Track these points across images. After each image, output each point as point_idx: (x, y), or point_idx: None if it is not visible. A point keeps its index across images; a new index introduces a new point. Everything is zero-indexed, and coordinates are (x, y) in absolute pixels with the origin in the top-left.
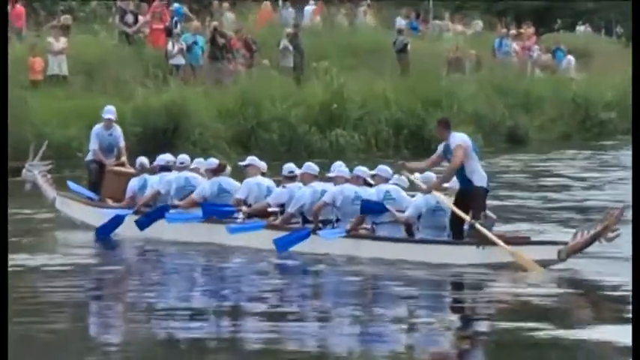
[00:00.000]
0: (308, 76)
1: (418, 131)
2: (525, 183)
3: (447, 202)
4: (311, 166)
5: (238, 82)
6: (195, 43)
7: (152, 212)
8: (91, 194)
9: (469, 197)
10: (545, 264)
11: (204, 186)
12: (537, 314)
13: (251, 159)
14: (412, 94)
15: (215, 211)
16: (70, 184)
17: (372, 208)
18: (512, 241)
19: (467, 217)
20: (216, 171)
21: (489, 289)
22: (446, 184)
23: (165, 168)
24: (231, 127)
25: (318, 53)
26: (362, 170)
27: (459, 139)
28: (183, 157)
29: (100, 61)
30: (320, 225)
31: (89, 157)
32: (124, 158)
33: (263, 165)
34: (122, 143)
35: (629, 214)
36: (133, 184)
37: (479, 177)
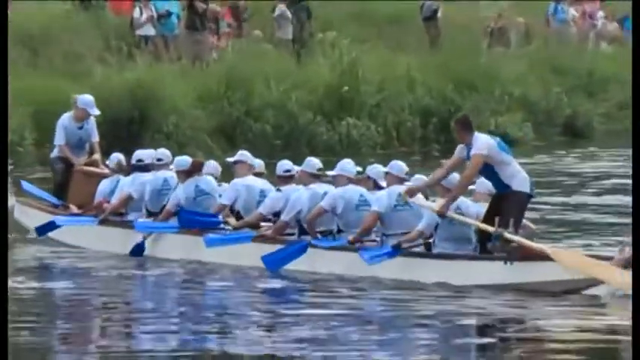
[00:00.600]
0: (311, 50)
1: (451, 120)
2: (584, 186)
3: (462, 219)
4: (310, 163)
5: (223, 59)
6: (169, 12)
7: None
8: (50, 197)
9: (506, 203)
10: (570, 286)
11: (177, 191)
12: None
13: (241, 154)
14: (443, 74)
15: (195, 220)
16: (24, 184)
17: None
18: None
19: (490, 228)
20: (190, 172)
21: (516, 323)
22: (471, 186)
23: (142, 167)
24: (214, 115)
25: (325, 21)
26: (375, 169)
27: (481, 144)
28: (163, 153)
29: (48, 31)
30: (319, 237)
31: (54, 153)
32: (96, 156)
33: (258, 163)
34: (96, 138)
35: None
36: (104, 186)
37: (519, 180)
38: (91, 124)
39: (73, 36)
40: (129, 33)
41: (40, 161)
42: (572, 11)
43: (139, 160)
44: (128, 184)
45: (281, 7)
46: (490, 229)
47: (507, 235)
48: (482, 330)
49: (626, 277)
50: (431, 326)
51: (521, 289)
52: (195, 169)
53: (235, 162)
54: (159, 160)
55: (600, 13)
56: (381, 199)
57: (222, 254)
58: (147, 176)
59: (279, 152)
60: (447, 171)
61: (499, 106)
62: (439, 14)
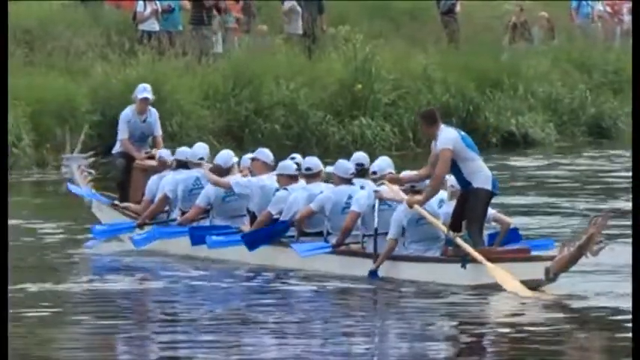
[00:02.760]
0: (323, 46)
1: (472, 120)
2: (610, 190)
3: (428, 216)
4: (311, 162)
5: (230, 55)
6: (172, 8)
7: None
8: (99, 196)
9: (468, 202)
10: (533, 285)
11: (209, 189)
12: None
13: (259, 151)
14: (463, 71)
15: (203, 235)
16: (70, 186)
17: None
18: (500, 256)
19: (443, 228)
20: (222, 172)
21: (461, 318)
22: (454, 186)
23: (184, 164)
24: (221, 114)
25: (337, 16)
26: (381, 164)
27: (446, 138)
28: (198, 149)
29: (45, 26)
30: (301, 239)
31: (116, 149)
32: (158, 151)
33: (273, 159)
34: (159, 132)
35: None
36: (152, 183)
37: (481, 177)
38: (154, 117)
39: (71, 31)
40: (131, 28)
41: (37, 163)
42: (599, 6)
43: (187, 158)
44: (168, 184)
45: (291, 1)
46: (443, 228)
47: (457, 241)
48: (454, 331)
49: (519, 289)
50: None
51: (474, 288)
52: (228, 171)
53: (253, 159)
54: (198, 157)
55: (627, 6)
56: (359, 200)
57: (228, 253)
58: (180, 175)
59: (288, 153)
60: (430, 169)
61: (521, 105)
62: (458, 8)
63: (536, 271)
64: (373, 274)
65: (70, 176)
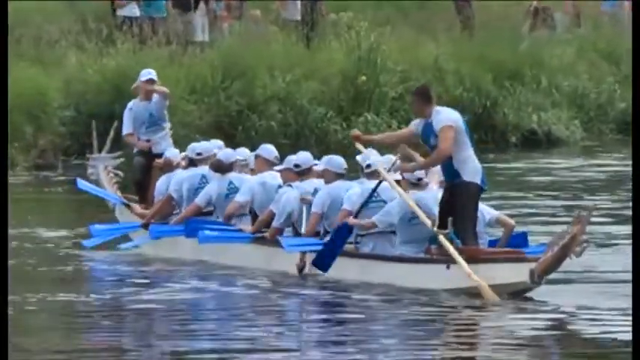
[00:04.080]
0: (323, 33)
1: (488, 117)
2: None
3: (409, 200)
4: (300, 158)
5: (220, 44)
6: None
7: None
8: (111, 196)
9: (455, 196)
10: (516, 290)
11: (211, 185)
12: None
13: (262, 147)
14: (479, 62)
15: (198, 228)
16: (79, 182)
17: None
18: (486, 257)
19: (429, 223)
20: (225, 169)
21: (442, 323)
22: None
23: (195, 162)
24: (210, 109)
25: (339, 2)
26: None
27: (448, 116)
28: (207, 145)
29: (14, 12)
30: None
31: (135, 148)
32: (165, 153)
33: (277, 155)
34: (165, 89)
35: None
36: (161, 184)
37: (470, 170)
38: (161, 97)
39: (43, 17)
40: (109, 14)
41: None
42: None
43: (199, 154)
44: (174, 183)
45: None
46: (428, 222)
47: (441, 239)
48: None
49: (483, 288)
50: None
51: (458, 291)
52: (230, 166)
53: (256, 156)
54: (198, 154)
55: None
56: (351, 197)
57: (232, 256)
58: (184, 173)
59: (286, 153)
60: (395, 139)
61: (544, 100)
62: None
63: (521, 273)
64: (343, 228)
65: (96, 177)
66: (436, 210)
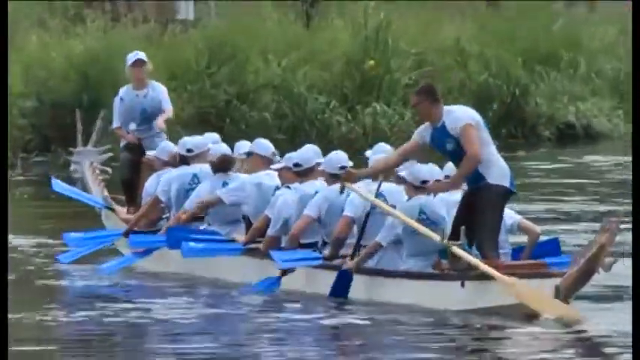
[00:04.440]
0: (325, 11)
1: (517, 108)
2: None
3: (413, 223)
4: (301, 155)
5: (206, 22)
6: None
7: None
8: (91, 199)
9: (477, 201)
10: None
11: (203, 186)
12: None
13: (256, 143)
14: (507, 43)
15: (185, 238)
16: (55, 183)
17: None
18: (507, 271)
19: (433, 235)
20: (220, 167)
21: (455, 350)
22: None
23: (186, 160)
24: (193, 99)
25: None
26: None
27: (465, 114)
28: (200, 140)
29: None
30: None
31: (122, 142)
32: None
33: (274, 152)
34: (168, 105)
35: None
36: (149, 185)
37: (497, 171)
38: (158, 89)
39: None
40: None
41: None
42: None
43: (189, 150)
44: (162, 183)
45: None
46: (436, 237)
47: (455, 249)
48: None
49: (572, 312)
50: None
51: (480, 313)
52: (226, 164)
53: (249, 154)
54: (189, 150)
55: None
56: (353, 201)
57: (216, 268)
58: (174, 172)
59: (282, 149)
60: (400, 157)
61: (582, 88)
62: None
63: (547, 289)
64: (343, 275)
65: (80, 175)
66: (446, 213)
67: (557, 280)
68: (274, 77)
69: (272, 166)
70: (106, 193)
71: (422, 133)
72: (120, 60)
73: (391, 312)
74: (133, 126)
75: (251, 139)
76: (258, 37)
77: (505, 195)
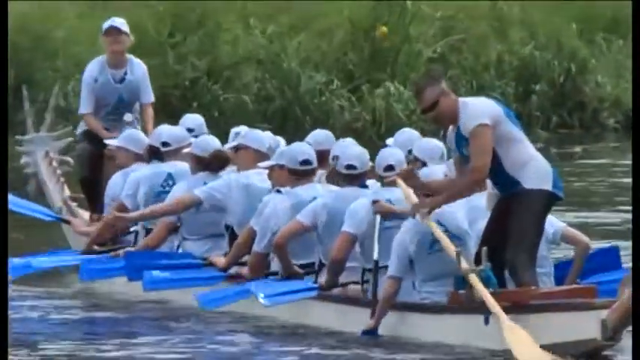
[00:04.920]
0: None
1: (574, 88)
2: None
3: (440, 235)
4: (305, 149)
5: None
6: None
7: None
8: (48, 214)
9: (516, 211)
10: (583, 350)
11: (178, 187)
12: None
13: (245, 135)
14: (559, 7)
15: (147, 266)
16: (12, 200)
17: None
18: (543, 301)
19: (453, 253)
20: (208, 164)
21: None
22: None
23: (159, 155)
24: (157, 77)
25: None
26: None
27: (478, 110)
28: (179, 132)
29: None
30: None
31: (80, 127)
32: (149, 125)
33: (269, 142)
34: (149, 97)
35: None
36: (112, 184)
37: (534, 171)
38: (140, 73)
39: None
40: None
41: None
42: None
43: (165, 144)
44: (129, 184)
45: None
46: (453, 253)
47: (472, 278)
48: None
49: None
50: None
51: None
52: (222, 162)
53: (236, 148)
54: (165, 143)
55: None
56: (357, 212)
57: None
58: (144, 170)
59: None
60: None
61: None
62: None
63: (589, 325)
64: (370, 332)
65: (34, 169)
66: (468, 225)
67: (604, 313)
68: (257, 49)
69: (260, 164)
70: (67, 192)
71: (449, 139)
72: (56, 28)
73: (401, 350)
74: (129, 117)
75: (226, 128)
76: None
77: (548, 201)
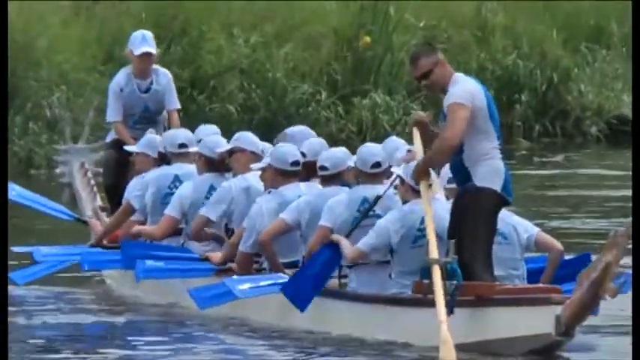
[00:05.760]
0: None
1: (557, 97)
2: None
3: (430, 217)
4: (284, 151)
5: None
6: None
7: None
8: (58, 210)
9: (466, 207)
10: (538, 346)
11: (183, 190)
12: None
13: (237, 138)
14: (542, 15)
15: (142, 255)
16: (14, 192)
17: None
18: (503, 296)
19: (435, 252)
20: (214, 164)
21: None
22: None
23: (167, 158)
24: None
25: None
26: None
27: (462, 88)
28: (190, 134)
29: None
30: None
31: (109, 137)
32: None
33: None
34: (175, 103)
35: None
36: (131, 188)
37: (487, 170)
38: (165, 82)
39: None
40: None
41: None
42: None
43: (182, 145)
44: (136, 187)
45: None
46: (435, 253)
47: (434, 269)
48: None
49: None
50: None
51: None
52: (225, 163)
53: (231, 152)
54: (182, 145)
55: None
56: (334, 208)
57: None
58: (152, 173)
59: None
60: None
61: None
62: None
63: (543, 321)
64: (325, 252)
65: (69, 179)
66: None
67: (558, 309)
68: (241, 58)
69: (252, 166)
70: (99, 201)
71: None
72: (39, 36)
73: (377, 345)
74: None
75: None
76: (219, 6)
77: (496, 202)
